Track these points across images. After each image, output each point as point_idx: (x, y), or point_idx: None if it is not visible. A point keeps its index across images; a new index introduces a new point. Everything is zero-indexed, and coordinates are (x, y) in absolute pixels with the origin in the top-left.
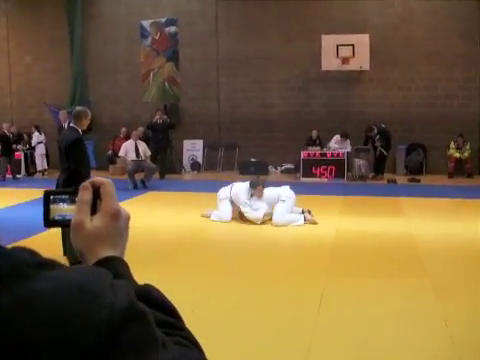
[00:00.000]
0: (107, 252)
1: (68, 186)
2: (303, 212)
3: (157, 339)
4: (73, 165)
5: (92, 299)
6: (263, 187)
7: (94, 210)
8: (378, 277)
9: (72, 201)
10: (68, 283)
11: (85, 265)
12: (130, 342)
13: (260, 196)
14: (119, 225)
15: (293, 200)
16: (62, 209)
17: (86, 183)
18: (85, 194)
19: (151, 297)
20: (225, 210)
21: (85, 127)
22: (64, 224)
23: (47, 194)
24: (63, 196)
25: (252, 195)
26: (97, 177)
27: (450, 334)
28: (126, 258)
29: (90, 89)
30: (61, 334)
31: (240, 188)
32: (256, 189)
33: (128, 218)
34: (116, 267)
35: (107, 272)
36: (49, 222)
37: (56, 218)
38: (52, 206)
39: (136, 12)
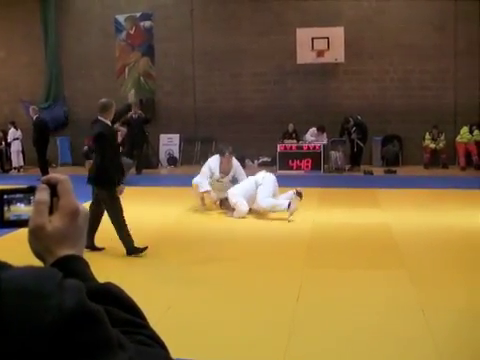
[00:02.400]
0: (66, 251)
1: (100, 183)
2: (296, 193)
3: (111, 339)
4: (98, 159)
5: (37, 302)
6: (231, 154)
7: (51, 208)
8: (356, 268)
9: (28, 200)
10: (12, 286)
11: (33, 266)
12: (81, 344)
13: (228, 166)
14: (78, 223)
15: (273, 182)
16: (18, 209)
17: (43, 182)
18: (43, 194)
19: (111, 295)
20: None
21: (111, 118)
22: (20, 224)
23: (0, 193)
24: (18, 195)
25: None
26: (53, 174)
27: (427, 322)
28: (101, 255)
29: (65, 84)
30: (5, 340)
31: (212, 160)
32: (224, 157)
33: (86, 215)
34: (74, 266)
35: (56, 272)
36: (3, 223)
37: (11, 218)
38: (6, 206)
39: (111, 6)
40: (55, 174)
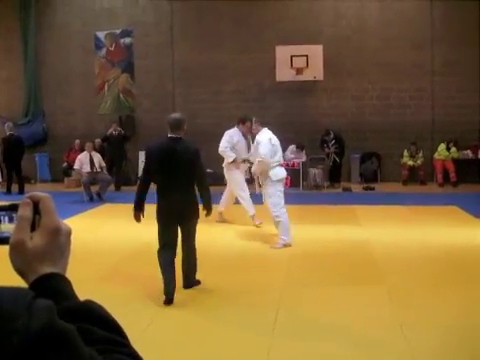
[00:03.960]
0: (47, 269)
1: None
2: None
3: (82, 358)
4: (200, 182)
5: (4, 325)
6: (252, 122)
7: (33, 226)
8: (335, 285)
9: (10, 218)
10: None
11: (4, 287)
12: None
13: (247, 134)
14: (60, 241)
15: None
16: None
17: (26, 198)
18: (26, 210)
19: (91, 314)
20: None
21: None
22: (2, 242)
23: None
24: (0, 212)
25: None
26: (35, 192)
27: (406, 338)
28: (82, 272)
29: (44, 100)
30: None
31: (231, 132)
32: (244, 125)
33: (69, 233)
34: (55, 284)
35: (26, 294)
36: None
37: None
38: None
39: (91, 23)
40: (37, 192)
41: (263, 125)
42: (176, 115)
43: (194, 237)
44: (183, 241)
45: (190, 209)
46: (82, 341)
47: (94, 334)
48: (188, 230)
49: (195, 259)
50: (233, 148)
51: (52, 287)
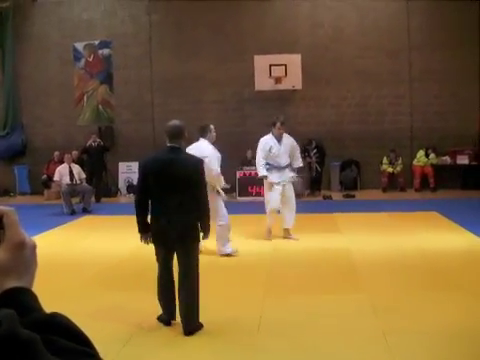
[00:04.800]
0: (12, 283)
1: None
2: None
3: None
4: (198, 201)
5: None
6: (282, 124)
7: None
8: (316, 293)
9: None
10: None
11: None
12: None
13: (280, 135)
14: (25, 255)
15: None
16: None
17: None
18: None
19: (57, 325)
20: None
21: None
22: None
23: None
24: None
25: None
26: None
27: (389, 346)
28: (61, 284)
29: (23, 112)
30: None
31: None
32: (274, 127)
33: (34, 247)
34: (22, 298)
35: None
36: None
37: None
38: None
39: (69, 34)
40: (0, 206)
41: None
42: (175, 122)
43: (194, 261)
44: (179, 270)
45: (188, 230)
46: (47, 351)
47: (59, 345)
48: (189, 250)
49: (194, 293)
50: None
51: (17, 301)
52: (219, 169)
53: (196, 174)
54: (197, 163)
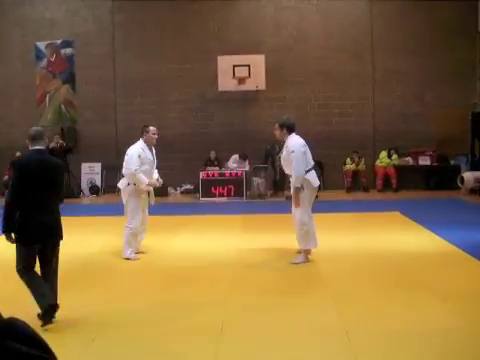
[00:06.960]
0: None
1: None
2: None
3: None
4: (61, 199)
5: None
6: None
7: None
8: (280, 293)
9: None
10: None
11: None
12: None
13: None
14: None
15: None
16: None
17: None
18: None
19: (13, 330)
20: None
21: None
22: None
23: None
24: None
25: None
26: None
27: (351, 344)
28: (21, 287)
29: None
30: None
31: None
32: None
33: None
34: None
35: None
36: None
37: None
38: None
39: (31, 33)
40: None
41: None
42: (37, 127)
43: (56, 259)
44: (46, 264)
45: (58, 228)
46: (4, 357)
47: (14, 349)
48: (54, 251)
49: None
50: None
51: None
52: (137, 168)
53: (60, 175)
54: (58, 164)
